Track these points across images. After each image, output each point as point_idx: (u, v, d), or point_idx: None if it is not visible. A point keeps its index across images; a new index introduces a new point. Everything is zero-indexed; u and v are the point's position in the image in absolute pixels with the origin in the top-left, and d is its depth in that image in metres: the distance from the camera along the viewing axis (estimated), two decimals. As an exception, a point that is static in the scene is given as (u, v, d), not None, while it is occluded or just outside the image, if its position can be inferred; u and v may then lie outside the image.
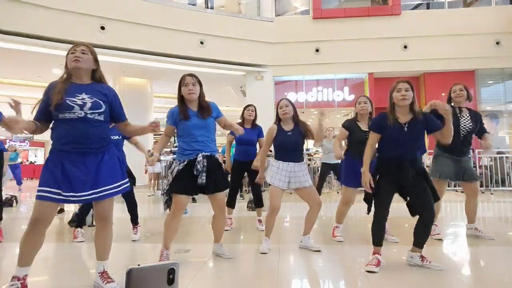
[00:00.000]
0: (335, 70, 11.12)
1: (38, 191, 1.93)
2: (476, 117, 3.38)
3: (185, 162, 2.60)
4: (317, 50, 10.96)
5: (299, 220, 4.73)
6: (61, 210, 5.55)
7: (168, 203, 2.65)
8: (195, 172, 2.56)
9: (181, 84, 2.69)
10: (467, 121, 3.33)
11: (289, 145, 3.06)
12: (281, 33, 10.99)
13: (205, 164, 2.59)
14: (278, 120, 3.16)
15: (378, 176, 2.62)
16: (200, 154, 2.60)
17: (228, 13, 11.05)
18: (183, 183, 2.58)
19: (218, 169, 2.71)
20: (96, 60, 2.17)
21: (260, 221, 4.19)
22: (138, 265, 0.85)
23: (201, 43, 10.22)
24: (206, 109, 2.69)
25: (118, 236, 3.86)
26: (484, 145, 3.37)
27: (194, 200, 6.85)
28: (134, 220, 3.80)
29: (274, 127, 3.13)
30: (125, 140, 3.79)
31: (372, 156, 2.90)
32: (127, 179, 2.22)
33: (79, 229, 3.72)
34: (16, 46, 8.33)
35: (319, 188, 6.45)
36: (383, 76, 10.93)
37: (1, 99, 14.53)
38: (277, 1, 11.65)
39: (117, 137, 3.69)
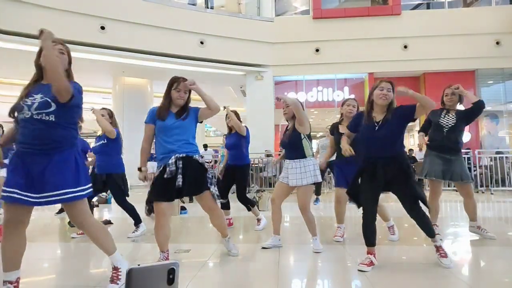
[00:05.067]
0: (335, 70, 11.11)
1: (3, 191, 1.88)
2: (463, 115, 3.37)
3: (161, 168, 2.55)
4: (317, 50, 10.96)
5: (299, 220, 4.73)
6: (62, 210, 5.54)
7: (150, 209, 2.60)
8: (165, 175, 2.48)
9: (172, 85, 2.65)
10: (450, 119, 3.35)
11: (284, 142, 3.20)
12: (281, 33, 10.99)
13: (180, 166, 2.51)
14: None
15: (360, 178, 2.65)
16: (173, 157, 2.52)
17: (228, 13, 11.05)
18: (159, 189, 2.52)
19: (197, 170, 2.59)
20: (70, 61, 2.12)
21: (258, 220, 4.21)
22: (138, 265, 0.85)
23: (201, 43, 10.22)
24: (184, 111, 2.67)
25: (118, 236, 3.86)
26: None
27: (191, 200, 6.84)
28: (135, 222, 3.81)
29: None
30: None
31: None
32: (86, 187, 2.03)
33: None
34: (16, 46, 8.32)
35: (318, 188, 6.43)
36: (383, 76, 10.90)
37: (1, 99, 14.60)
38: (277, 1, 11.65)
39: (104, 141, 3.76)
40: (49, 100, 1.92)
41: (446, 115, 3.39)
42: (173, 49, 9.86)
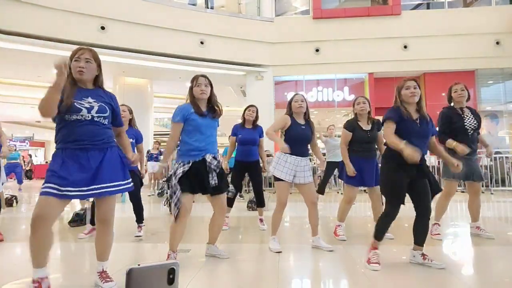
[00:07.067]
0: (335, 70, 11.12)
1: (45, 187, 1.94)
2: (477, 115, 3.47)
3: (190, 164, 2.58)
4: (317, 50, 10.96)
5: (299, 220, 4.74)
6: (61, 210, 5.54)
7: (177, 205, 2.61)
8: (208, 169, 2.57)
9: (193, 84, 2.71)
10: (471, 120, 3.38)
11: (302, 138, 3.10)
12: (281, 33, 10.99)
13: (216, 164, 2.62)
14: (290, 113, 3.17)
15: (391, 171, 2.57)
16: (208, 155, 2.61)
17: (228, 13, 11.05)
18: (188, 183, 2.55)
19: (222, 171, 2.74)
20: (99, 66, 2.21)
21: (261, 220, 4.19)
22: (138, 265, 0.86)
23: (201, 43, 10.22)
24: (216, 110, 2.75)
25: (118, 236, 3.86)
26: (488, 151, 3.56)
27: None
28: (138, 220, 3.84)
29: (287, 117, 3.13)
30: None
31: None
32: (130, 181, 2.23)
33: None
34: (16, 46, 8.33)
35: (322, 187, 6.43)
36: (383, 76, 10.93)
37: (1, 99, 14.59)
38: (277, 1, 11.64)
39: (130, 140, 3.74)
40: (105, 106, 2.16)
41: (466, 116, 3.39)
42: (173, 49, 9.86)
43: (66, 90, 2.04)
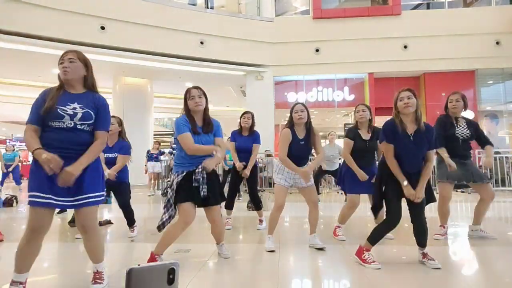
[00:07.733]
0: (335, 70, 11.12)
1: (29, 196, 1.91)
2: (472, 125, 3.54)
3: (184, 174, 2.58)
4: (317, 50, 10.96)
5: (299, 220, 4.74)
6: (62, 210, 5.54)
7: (165, 223, 2.60)
8: (193, 184, 2.55)
9: (186, 97, 2.67)
10: (464, 129, 3.48)
11: (300, 154, 3.09)
12: (281, 33, 10.99)
13: (205, 176, 2.57)
14: (291, 124, 3.11)
15: (383, 184, 2.66)
16: (199, 166, 2.57)
17: (228, 13, 11.05)
18: (186, 192, 2.55)
19: (216, 181, 2.71)
20: (86, 65, 2.14)
21: (261, 220, 4.23)
22: (138, 265, 0.86)
23: (201, 43, 10.22)
24: (209, 124, 2.69)
25: (117, 236, 3.87)
26: (486, 161, 3.49)
27: None
28: (130, 223, 3.89)
29: (288, 131, 3.06)
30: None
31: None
32: (104, 192, 2.20)
33: None
34: (16, 46, 8.33)
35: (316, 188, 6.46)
36: (383, 76, 10.92)
37: (1, 99, 14.59)
38: (277, 1, 11.65)
39: (115, 154, 3.76)
40: (91, 112, 2.06)
41: (459, 126, 3.47)
42: (173, 49, 9.87)
43: (51, 93, 2.02)
